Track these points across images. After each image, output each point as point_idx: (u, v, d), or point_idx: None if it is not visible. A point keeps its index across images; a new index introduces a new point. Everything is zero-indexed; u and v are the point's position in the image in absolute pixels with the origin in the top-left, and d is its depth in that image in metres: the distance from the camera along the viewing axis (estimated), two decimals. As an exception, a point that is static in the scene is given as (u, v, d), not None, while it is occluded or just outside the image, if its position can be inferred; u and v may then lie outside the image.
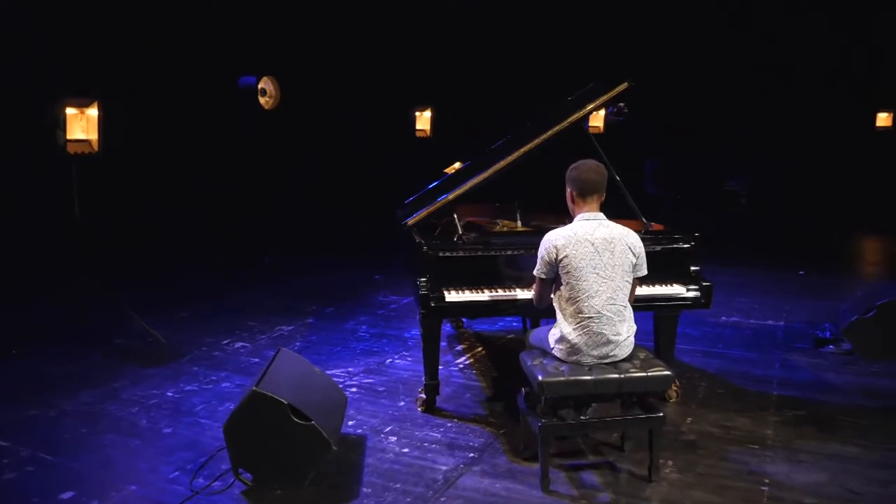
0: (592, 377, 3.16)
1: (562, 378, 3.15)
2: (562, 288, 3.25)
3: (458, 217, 4.14)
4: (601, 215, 3.31)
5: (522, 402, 3.41)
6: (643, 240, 3.35)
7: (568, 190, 3.37)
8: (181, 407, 4.23)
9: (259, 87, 7.11)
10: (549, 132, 4.19)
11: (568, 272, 3.20)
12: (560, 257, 3.20)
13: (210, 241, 8.98)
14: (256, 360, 5.06)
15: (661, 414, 3.25)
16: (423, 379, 4.55)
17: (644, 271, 3.30)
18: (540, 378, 3.15)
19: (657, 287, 3.83)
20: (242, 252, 8.93)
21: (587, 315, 3.18)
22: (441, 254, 3.81)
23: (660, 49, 10.73)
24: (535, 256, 3.80)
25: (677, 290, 3.86)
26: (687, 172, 11.57)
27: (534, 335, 3.61)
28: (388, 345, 5.45)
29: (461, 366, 4.93)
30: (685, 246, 3.94)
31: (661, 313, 4.00)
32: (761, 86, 11.25)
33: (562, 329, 3.25)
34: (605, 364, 3.24)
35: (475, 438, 3.78)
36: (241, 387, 4.53)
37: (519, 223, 4.81)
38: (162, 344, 5.32)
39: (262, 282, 7.50)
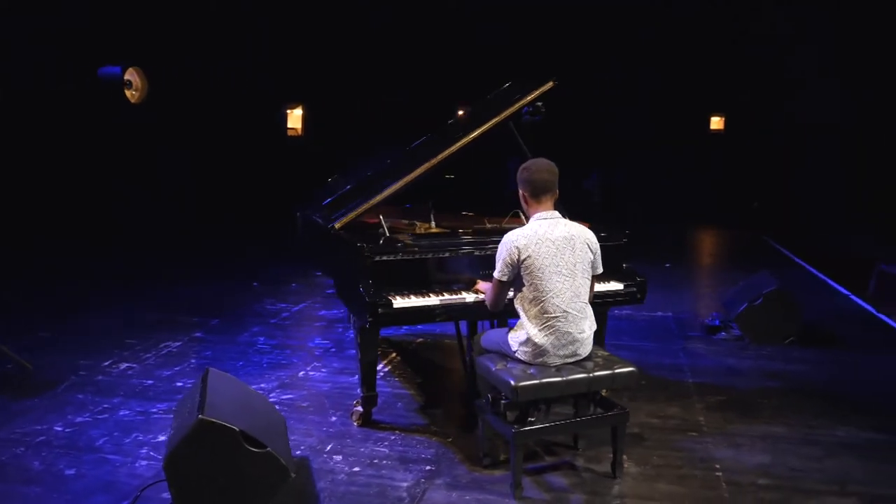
0: (563, 378, 3.11)
1: (535, 381, 3.07)
2: (524, 289, 3.16)
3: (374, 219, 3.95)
4: (557, 213, 3.26)
5: (488, 410, 3.28)
6: None
7: (520, 191, 3.29)
8: (78, 443, 3.66)
9: (125, 78, 6.39)
10: (478, 131, 4.10)
11: (531, 273, 3.12)
12: (522, 258, 3.12)
13: (65, 248, 8.03)
14: (150, 381, 4.52)
15: (627, 410, 3.28)
16: (345, 391, 4.36)
17: (601, 269, 3.31)
18: (512, 383, 3.05)
19: (597, 285, 3.85)
20: (101, 259, 8.08)
21: (553, 315, 3.12)
22: (384, 258, 3.59)
23: (526, 53, 11.04)
24: (484, 258, 3.74)
25: (615, 286, 3.92)
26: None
27: (486, 339, 3.51)
28: (295, 356, 5.10)
29: (381, 374, 4.71)
30: (618, 243, 4.01)
31: (595, 310, 4.04)
32: (610, 92, 11.95)
33: (527, 331, 3.17)
34: (571, 364, 3.20)
35: (425, 450, 3.60)
36: (144, 414, 4.02)
37: (433, 224, 4.69)
38: (29, 371, 4.60)
39: (129, 293, 6.80)
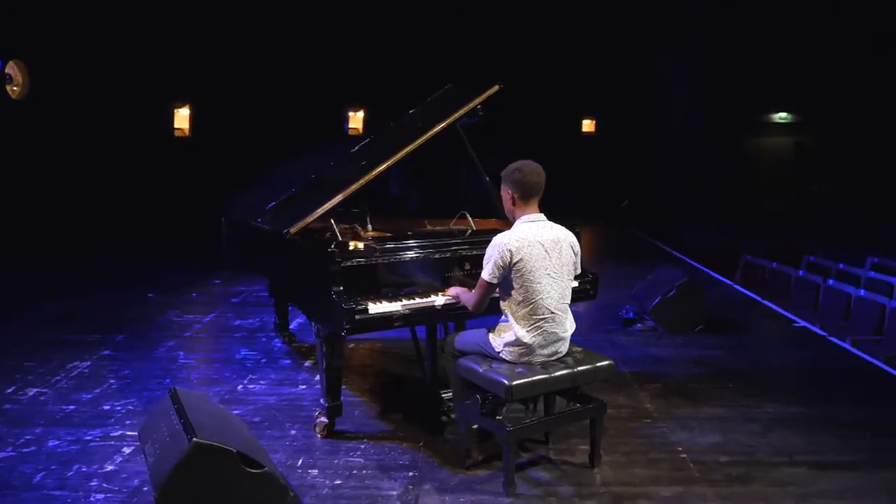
0: (551, 374, 3.19)
1: (527, 379, 3.12)
2: (513, 291, 3.20)
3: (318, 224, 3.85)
4: (542, 216, 3.32)
5: (476, 411, 3.29)
6: None
7: (509, 192, 3.31)
8: (10, 480, 3.26)
9: (5, 72, 5.71)
10: (427, 135, 4.06)
11: (522, 275, 3.16)
12: (515, 261, 3.15)
13: None
14: (71, 407, 4.11)
15: (604, 402, 3.41)
16: (294, 402, 4.26)
17: (580, 269, 3.43)
18: (506, 382, 3.09)
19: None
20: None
21: (541, 316, 3.19)
22: (353, 262, 3.49)
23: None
24: (452, 260, 3.74)
25: (572, 283, 4.05)
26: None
27: (462, 340, 3.51)
28: (225, 369, 4.83)
29: (326, 382, 4.57)
30: (570, 242, 4.15)
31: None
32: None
33: (515, 332, 3.21)
34: (554, 361, 3.29)
35: (400, 456, 3.55)
36: (79, 442, 3.65)
37: (370, 227, 4.63)
38: (-82, 404, 4.04)
39: (9, 309, 6.13)
